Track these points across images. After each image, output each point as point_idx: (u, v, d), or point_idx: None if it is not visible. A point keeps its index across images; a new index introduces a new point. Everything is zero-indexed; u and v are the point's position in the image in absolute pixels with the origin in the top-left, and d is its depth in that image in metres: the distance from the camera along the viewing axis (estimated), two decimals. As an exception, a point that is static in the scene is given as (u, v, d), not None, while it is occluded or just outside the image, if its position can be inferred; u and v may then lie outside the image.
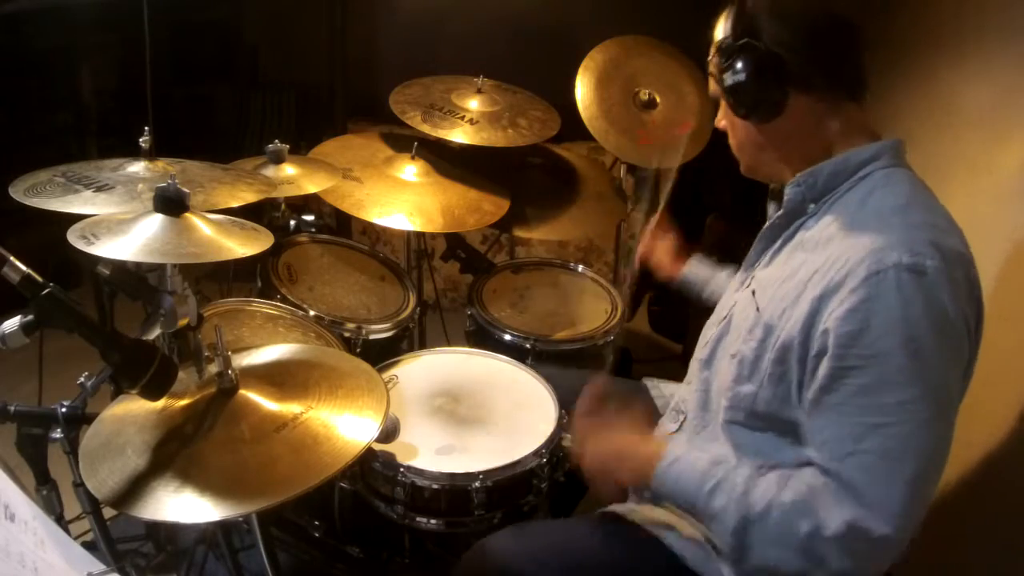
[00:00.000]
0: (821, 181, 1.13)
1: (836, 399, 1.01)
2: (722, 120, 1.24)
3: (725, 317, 1.28)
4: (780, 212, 1.19)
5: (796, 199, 1.16)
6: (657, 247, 1.79)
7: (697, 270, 1.72)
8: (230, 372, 1.18)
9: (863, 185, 1.10)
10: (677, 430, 1.39)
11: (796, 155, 1.16)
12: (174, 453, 1.10)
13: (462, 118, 2.18)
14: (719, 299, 1.41)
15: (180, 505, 1.02)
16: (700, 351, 1.34)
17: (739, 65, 1.10)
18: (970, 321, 1.03)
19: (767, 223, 1.28)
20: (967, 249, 1.06)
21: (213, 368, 1.23)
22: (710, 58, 1.17)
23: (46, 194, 1.33)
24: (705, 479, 1.10)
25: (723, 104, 1.22)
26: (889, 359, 0.98)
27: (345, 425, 1.15)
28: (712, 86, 1.20)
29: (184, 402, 1.19)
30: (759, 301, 1.17)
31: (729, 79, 1.12)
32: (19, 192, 1.33)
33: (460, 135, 2.11)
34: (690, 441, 1.31)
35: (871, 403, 0.99)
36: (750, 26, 1.10)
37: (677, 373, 1.50)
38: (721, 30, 1.15)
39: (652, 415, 1.49)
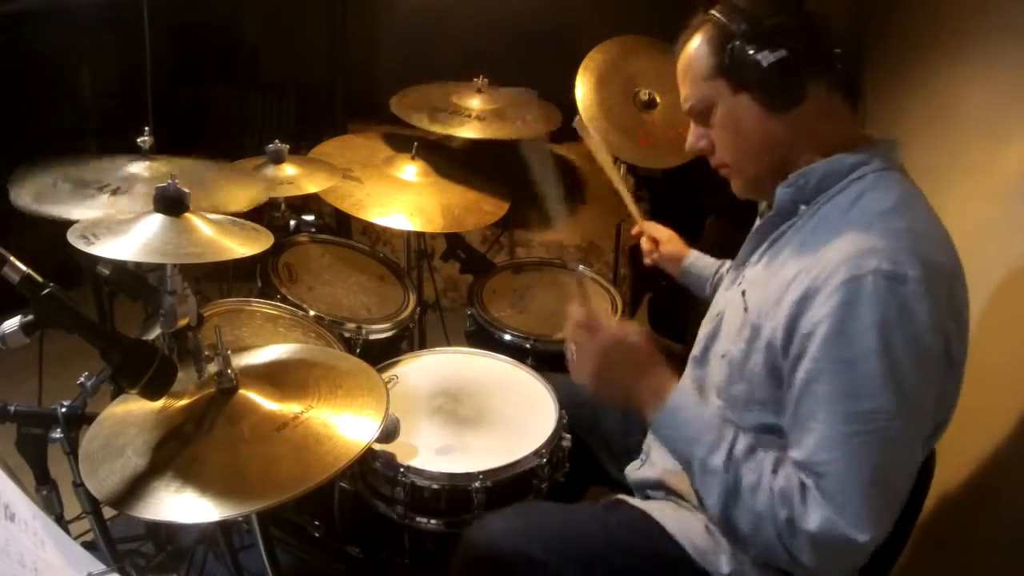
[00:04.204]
0: (813, 182, 1.12)
1: (810, 404, 1.02)
2: (700, 141, 1.21)
3: (717, 315, 1.28)
4: (771, 212, 1.19)
5: (786, 199, 1.15)
6: (658, 241, 1.79)
7: (700, 262, 1.72)
8: (230, 372, 1.18)
9: (854, 187, 1.09)
10: None
11: (807, 149, 1.13)
12: (174, 453, 1.10)
13: (469, 116, 2.19)
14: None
15: (180, 505, 1.01)
16: (694, 348, 1.34)
17: (772, 45, 1.07)
18: (950, 338, 1.02)
19: (757, 222, 1.28)
20: (953, 262, 1.05)
21: (213, 368, 1.23)
22: (708, 54, 1.13)
23: (54, 199, 1.31)
24: (710, 429, 1.09)
25: (694, 127, 1.20)
26: (861, 365, 0.98)
27: (345, 425, 1.15)
28: (696, 95, 1.16)
29: (184, 402, 1.19)
30: (748, 301, 1.17)
31: (767, 59, 1.07)
32: (26, 198, 1.31)
33: (470, 131, 2.12)
34: None
35: (843, 410, 0.99)
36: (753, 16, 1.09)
37: (676, 373, 1.50)
38: (715, 29, 1.12)
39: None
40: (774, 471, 1.04)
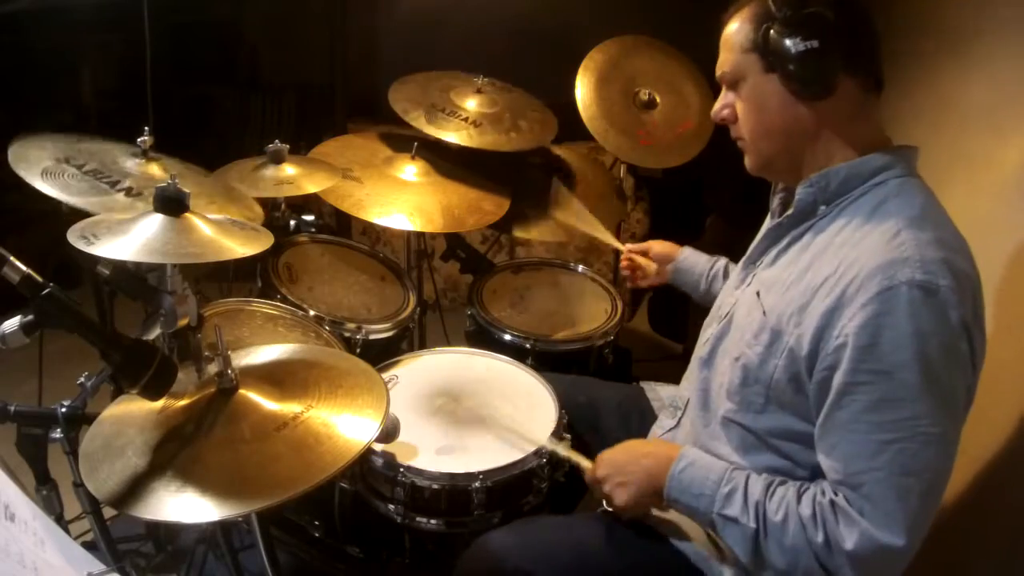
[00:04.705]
0: (835, 184, 1.12)
1: (847, 415, 1.02)
2: (724, 110, 1.21)
3: (726, 316, 1.28)
4: (789, 212, 1.18)
5: (807, 200, 1.15)
6: (645, 252, 1.79)
7: (692, 258, 1.71)
8: (230, 372, 1.18)
9: (876, 192, 1.09)
10: (675, 426, 1.39)
11: (829, 143, 1.13)
12: (174, 453, 1.10)
13: (464, 119, 2.18)
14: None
15: (180, 505, 1.01)
16: (700, 349, 1.33)
17: (804, 33, 1.07)
18: (975, 341, 1.03)
19: (771, 221, 1.27)
20: (974, 270, 1.06)
21: (213, 368, 1.23)
22: (750, 29, 1.12)
23: (63, 187, 1.30)
24: (721, 484, 1.11)
25: (724, 94, 1.21)
26: (899, 375, 0.98)
27: (345, 424, 1.15)
28: (732, 63, 1.16)
29: (184, 402, 1.19)
30: (764, 304, 1.16)
31: (798, 46, 1.07)
32: (27, 169, 1.29)
33: (464, 139, 2.11)
34: (687, 437, 1.31)
35: (882, 419, 0.99)
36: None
37: (677, 373, 1.50)
38: (760, 7, 1.12)
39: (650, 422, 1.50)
40: (799, 500, 1.05)
